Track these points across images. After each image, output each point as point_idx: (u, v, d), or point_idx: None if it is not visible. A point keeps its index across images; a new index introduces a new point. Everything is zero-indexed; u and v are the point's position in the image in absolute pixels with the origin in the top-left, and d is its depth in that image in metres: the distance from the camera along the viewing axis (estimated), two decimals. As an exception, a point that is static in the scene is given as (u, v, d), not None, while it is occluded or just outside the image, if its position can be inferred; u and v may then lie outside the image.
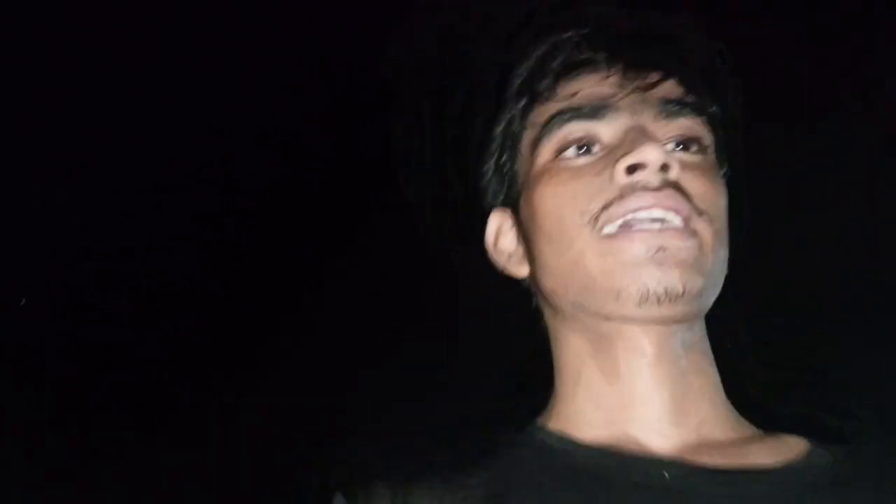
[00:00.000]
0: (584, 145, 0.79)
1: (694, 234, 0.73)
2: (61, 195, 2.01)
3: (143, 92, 1.98)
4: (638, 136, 0.75)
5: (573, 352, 0.80)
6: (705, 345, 0.79)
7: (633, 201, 0.73)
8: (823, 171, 1.35)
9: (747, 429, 0.79)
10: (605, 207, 0.75)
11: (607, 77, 0.79)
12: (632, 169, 0.75)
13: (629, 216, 0.73)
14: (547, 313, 0.84)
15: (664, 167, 0.74)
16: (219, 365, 1.95)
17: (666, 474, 0.70)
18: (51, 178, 2.01)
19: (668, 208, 0.73)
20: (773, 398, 0.85)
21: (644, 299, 0.71)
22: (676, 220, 0.73)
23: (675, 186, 0.74)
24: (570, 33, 0.83)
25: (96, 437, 1.97)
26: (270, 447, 1.76)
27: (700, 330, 0.79)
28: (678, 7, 0.85)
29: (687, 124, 0.79)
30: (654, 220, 0.73)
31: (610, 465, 0.72)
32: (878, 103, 1.38)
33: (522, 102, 0.84)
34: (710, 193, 0.77)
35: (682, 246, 0.72)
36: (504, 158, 0.86)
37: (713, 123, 0.81)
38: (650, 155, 0.73)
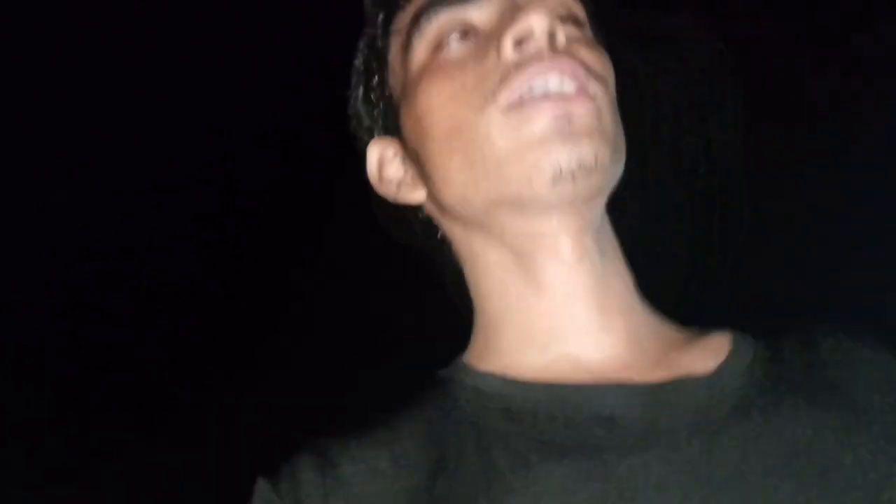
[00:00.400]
0: (461, 33, 0.74)
1: (592, 98, 0.70)
2: (61, 195, 2.01)
3: (140, 92, 1.98)
4: (517, 10, 0.71)
5: (492, 268, 0.75)
6: (616, 245, 0.77)
7: (528, 73, 0.69)
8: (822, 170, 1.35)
9: (671, 330, 0.76)
10: (500, 84, 0.70)
11: None
12: (518, 43, 0.71)
13: (525, 87, 0.69)
14: (455, 235, 0.78)
15: (551, 37, 0.70)
16: (218, 365, 1.96)
17: (607, 405, 0.67)
18: (50, 177, 2.01)
19: (563, 72, 0.69)
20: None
21: (557, 177, 0.68)
22: (572, 87, 0.69)
23: (567, 53, 0.71)
24: None
25: (96, 437, 1.98)
26: (270, 447, 1.76)
27: (609, 228, 0.77)
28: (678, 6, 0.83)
29: (561, 3, 0.75)
30: (552, 91, 0.69)
31: (550, 404, 0.69)
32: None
33: (381, 16, 0.79)
34: (600, 61, 0.73)
35: (583, 112, 0.69)
36: (372, 84, 0.81)
37: (584, 2, 0.78)
38: (535, 21, 0.70)
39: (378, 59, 0.80)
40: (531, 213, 0.71)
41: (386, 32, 0.78)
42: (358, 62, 0.82)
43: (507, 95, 0.69)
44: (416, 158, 0.77)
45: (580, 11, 0.77)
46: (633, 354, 0.72)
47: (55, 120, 2.00)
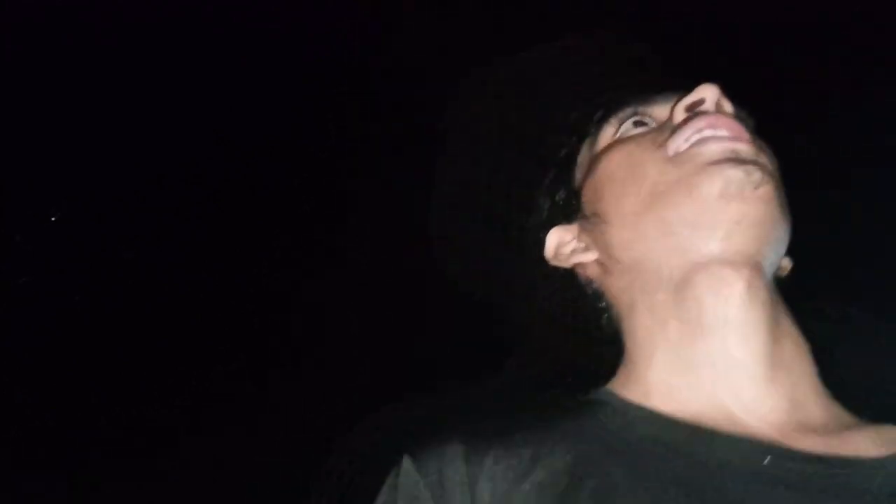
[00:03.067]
0: (640, 121, 0.79)
1: (760, 150, 0.73)
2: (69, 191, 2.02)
3: (136, 91, 1.99)
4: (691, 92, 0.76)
5: (651, 311, 0.74)
6: (791, 317, 0.75)
7: (697, 121, 0.72)
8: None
9: (842, 413, 0.73)
10: (671, 136, 0.73)
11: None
12: (689, 110, 0.75)
13: (696, 136, 0.72)
14: (617, 286, 0.78)
15: (720, 109, 0.74)
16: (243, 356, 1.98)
17: (762, 462, 0.64)
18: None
19: (730, 127, 0.72)
20: (862, 387, 0.78)
21: (725, 189, 0.67)
22: (737, 133, 0.72)
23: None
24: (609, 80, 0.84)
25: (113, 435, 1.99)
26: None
27: (782, 300, 0.75)
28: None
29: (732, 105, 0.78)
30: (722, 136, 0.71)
31: (698, 442, 0.66)
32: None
33: (571, 142, 0.84)
34: (764, 146, 0.75)
35: (751, 149, 0.71)
36: (560, 191, 0.85)
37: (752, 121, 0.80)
38: (707, 91, 0.74)
39: (566, 167, 0.84)
40: (700, 239, 0.70)
41: (575, 150, 0.83)
42: (550, 176, 0.85)
43: (675, 141, 0.73)
44: (589, 225, 0.80)
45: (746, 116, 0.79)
46: (793, 419, 0.69)
47: (59, 113, 2.01)
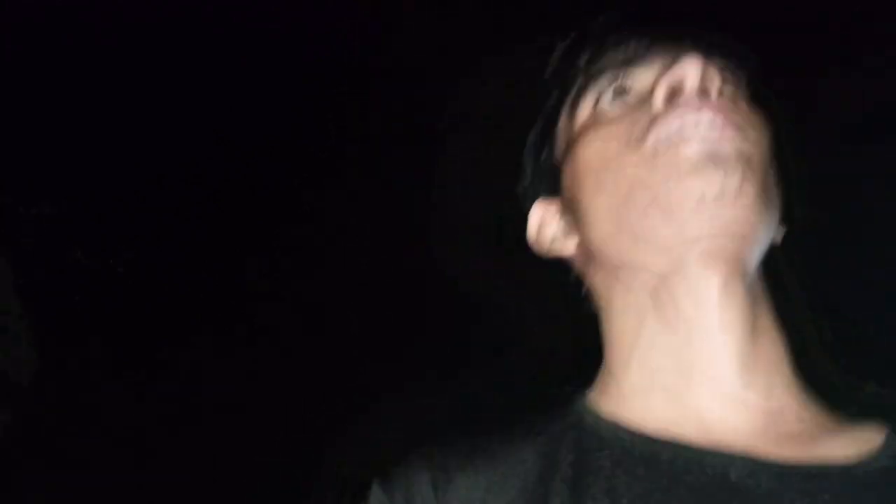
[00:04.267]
0: (619, 89, 0.75)
1: (741, 137, 0.69)
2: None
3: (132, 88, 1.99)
4: (672, 65, 0.72)
5: (629, 312, 0.73)
6: (769, 308, 0.73)
7: (677, 114, 0.69)
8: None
9: (818, 411, 0.72)
10: (649, 127, 0.70)
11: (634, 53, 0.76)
12: (670, 94, 0.70)
13: (673, 127, 0.69)
14: (599, 282, 0.77)
15: (703, 92, 0.70)
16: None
17: (731, 475, 0.64)
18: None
19: (712, 115, 0.68)
20: (845, 376, 0.76)
21: (701, 201, 0.66)
22: (719, 124, 0.69)
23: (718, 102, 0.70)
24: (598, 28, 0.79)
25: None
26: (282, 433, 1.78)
27: (765, 297, 0.73)
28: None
29: (719, 72, 0.74)
30: (699, 133, 0.68)
31: (669, 457, 0.66)
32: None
33: (556, 93, 0.80)
34: (751, 122, 0.72)
35: (729, 145, 0.68)
36: (544, 153, 0.82)
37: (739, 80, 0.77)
38: (689, 69, 0.70)
39: (549, 132, 0.81)
40: (675, 244, 0.69)
41: (559, 106, 0.80)
42: (533, 135, 0.83)
43: (654, 136, 0.70)
44: (570, 208, 0.78)
45: (738, 75, 0.76)
46: (768, 426, 0.68)
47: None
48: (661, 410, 0.70)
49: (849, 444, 0.68)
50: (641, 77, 0.75)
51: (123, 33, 2.00)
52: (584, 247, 0.77)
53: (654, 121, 0.71)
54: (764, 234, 0.70)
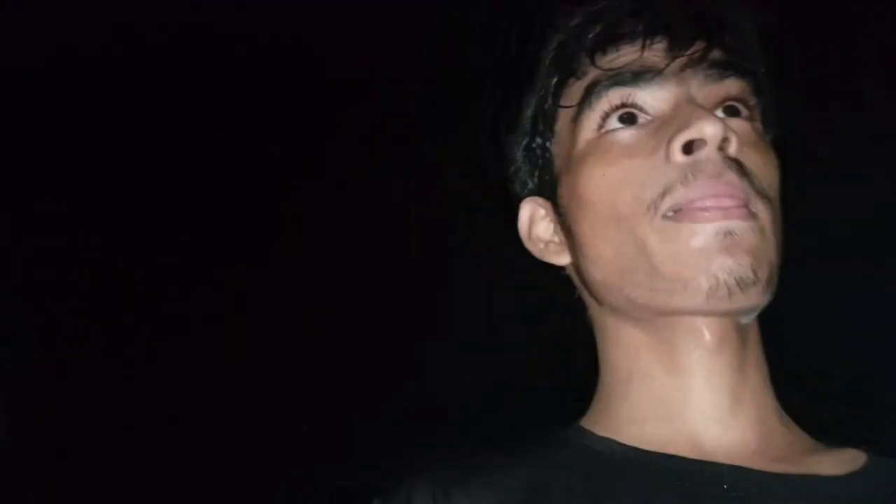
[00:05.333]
0: (628, 115, 0.73)
1: (754, 216, 0.69)
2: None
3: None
4: (690, 109, 0.70)
5: (625, 345, 0.75)
6: (759, 341, 0.75)
7: (694, 190, 0.69)
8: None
9: (803, 436, 0.75)
10: (664, 194, 0.70)
11: (648, 48, 0.73)
12: (688, 147, 0.70)
13: (689, 205, 0.69)
14: (592, 305, 0.78)
15: (723, 142, 0.69)
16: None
17: (725, 482, 0.66)
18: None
19: (728, 196, 0.68)
20: (822, 408, 0.81)
21: (714, 291, 0.67)
22: (734, 203, 0.69)
23: (736, 165, 0.70)
24: (605, 2, 0.76)
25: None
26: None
27: (755, 325, 0.75)
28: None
29: (733, 87, 0.74)
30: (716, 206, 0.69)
31: (663, 471, 0.68)
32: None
33: (555, 80, 0.77)
34: (767, 169, 0.72)
35: (746, 227, 0.68)
36: (535, 143, 0.80)
37: (757, 87, 0.76)
38: (708, 129, 0.68)
39: (546, 122, 0.79)
40: (679, 303, 0.70)
41: (557, 97, 0.78)
42: (527, 114, 0.80)
43: (669, 203, 0.69)
44: (567, 228, 0.77)
45: (751, 98, 0.76)
46: (759, 445, 0.71)
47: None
48: (655, 435, 0.72)
49: (836, 464, 0.71)
50: (651, 98, 0.73)
51: (125, 41, 2.00)
52: (579, 271, 0.78)
53: (668, 191, 0.70)
54: (769, 299, 0.71)
